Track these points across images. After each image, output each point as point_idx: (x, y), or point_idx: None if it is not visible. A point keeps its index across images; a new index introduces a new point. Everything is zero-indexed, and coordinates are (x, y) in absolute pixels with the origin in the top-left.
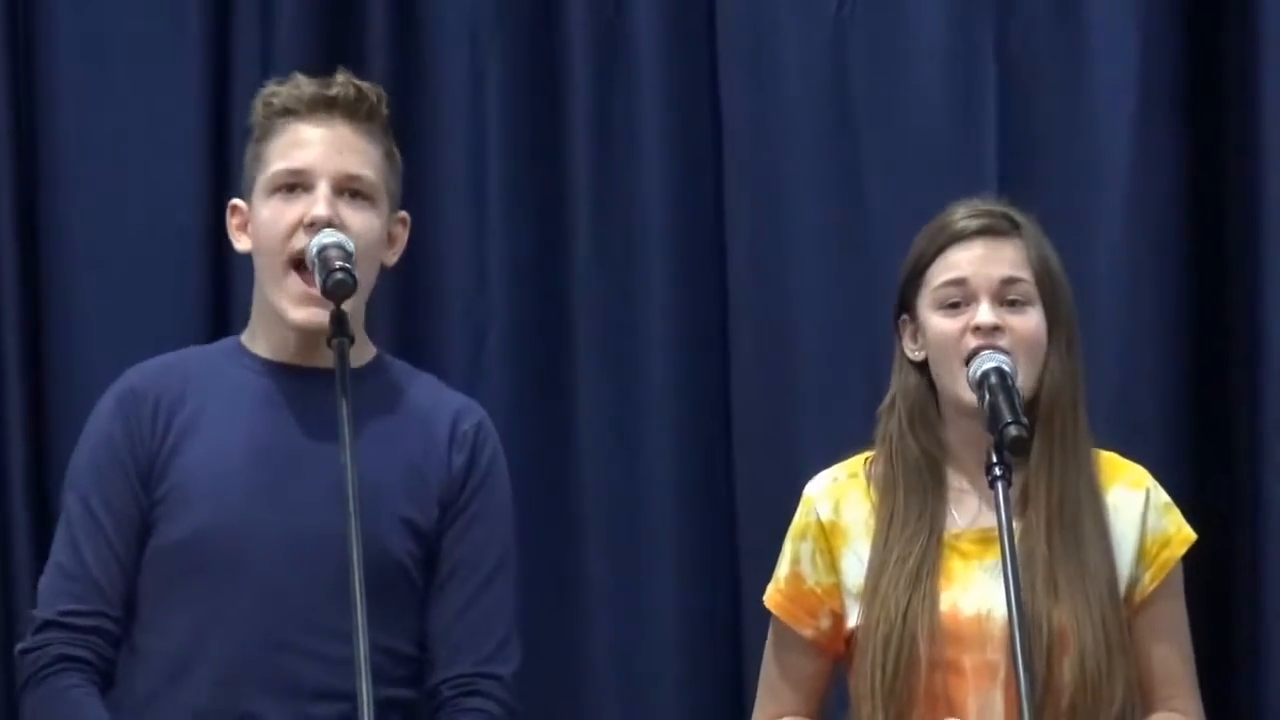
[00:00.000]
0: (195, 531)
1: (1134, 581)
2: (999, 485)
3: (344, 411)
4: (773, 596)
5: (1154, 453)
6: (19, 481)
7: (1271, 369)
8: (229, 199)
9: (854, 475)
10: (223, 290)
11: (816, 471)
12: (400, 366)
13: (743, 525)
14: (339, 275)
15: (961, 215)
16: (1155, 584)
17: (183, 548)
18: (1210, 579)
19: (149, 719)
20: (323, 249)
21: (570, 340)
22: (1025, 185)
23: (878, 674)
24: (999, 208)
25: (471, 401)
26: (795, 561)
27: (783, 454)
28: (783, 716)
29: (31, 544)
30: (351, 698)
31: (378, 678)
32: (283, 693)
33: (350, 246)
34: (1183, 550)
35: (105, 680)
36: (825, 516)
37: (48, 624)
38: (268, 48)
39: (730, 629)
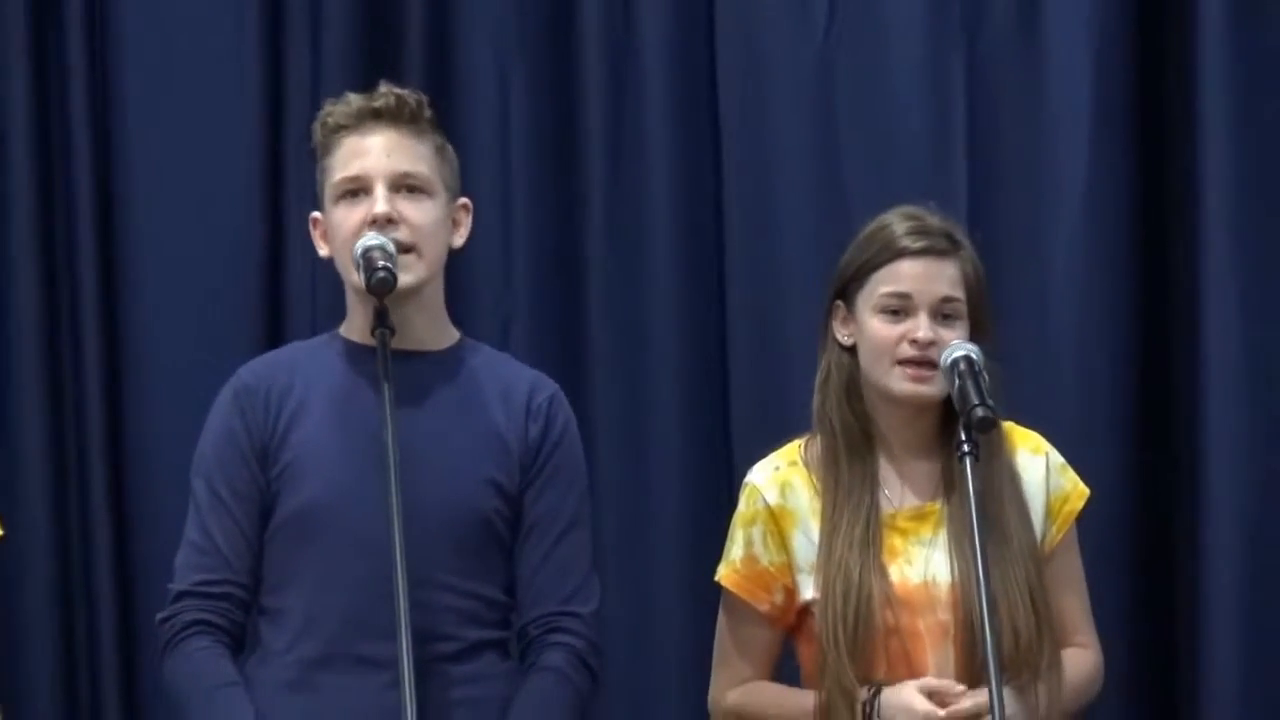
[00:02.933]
0: (308, 503)
1: (1043, 535)
2: (967, 460)
3: (387, 394)
4: (729, 576)
5: (1103, 440)
6: (99, 459)
7: (1210, 363)
8: (282, 208)
9: (793, 463)
10: (276, 291)
11: None
12: (482, 348)
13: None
14: (381, 274)
15: (908, 230)
16: (1061, 535)
17: (299, 518)
18: (1153, 554)
19: (282, 669)
20: (366, 250)
21: (585, 331)
22: (991, 193)
23: (839, 626)
24: (941, 225)
25: (546, 377)
26: (748, 545)
27: (776, 431)
28: (743, 681)
29: (110, 523)
30: (451, 638)
31: (473, 621)
32: (391, 636)
33: (391, 248)
34: (1080, 504)
35: (235, 641)
36: (773, 502)
37: (182, 594)
38: (316, 72)
39: None
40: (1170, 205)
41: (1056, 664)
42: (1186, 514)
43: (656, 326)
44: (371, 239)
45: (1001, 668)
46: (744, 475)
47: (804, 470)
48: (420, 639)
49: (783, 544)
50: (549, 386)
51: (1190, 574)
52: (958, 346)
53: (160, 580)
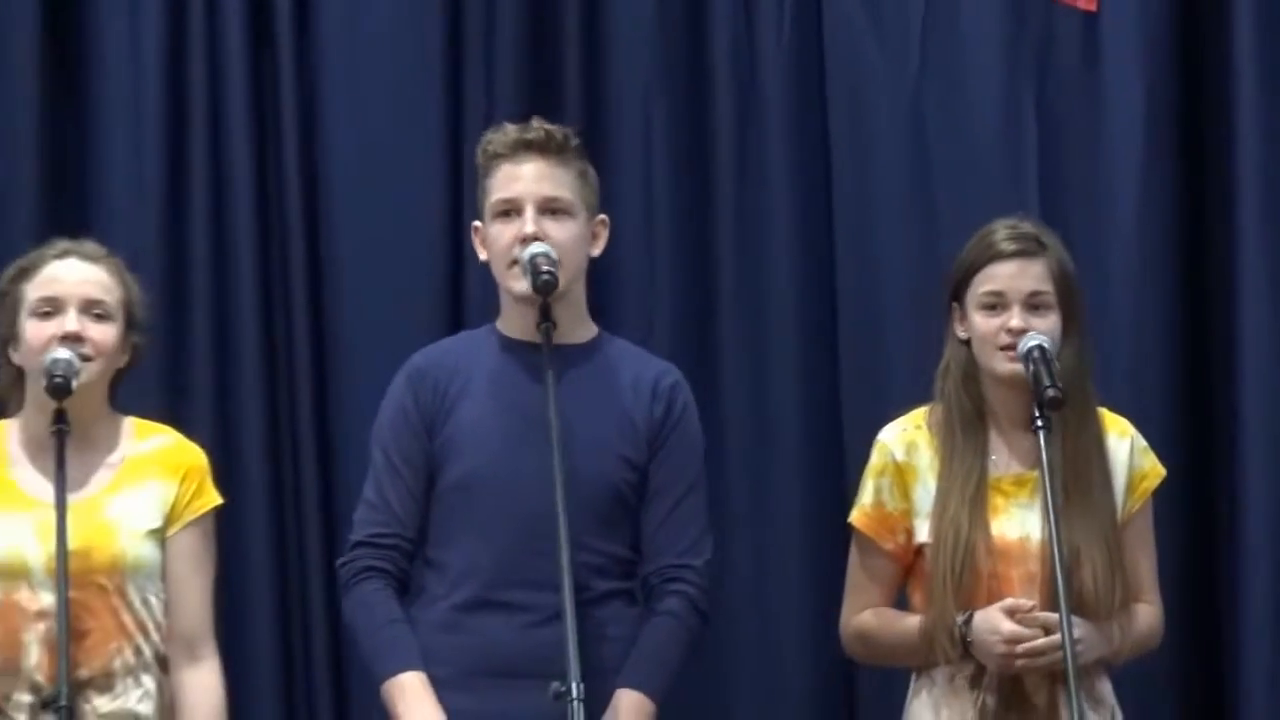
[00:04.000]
0: (467, 474)
1: (1122, 505)
2: (1041, 434)
3: (549, 377)
4: (859, 518)
5: (1155, 412)
6: (308, 436)
7: (1245, 351)
8: (462, 220)
9: (919, 426)
10: (458, 290)
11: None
12: (617, 340)
13: (849, 472)
14: (545, 277)
15: (1003, 236)
16: (1136, 507)
17: (459, 486)
18: (1196, 510)
19: (441, 611)
20: (533, 257)
21: (716, 326)
22: (1057, 208)
23: (948, 569)
24: (1032, 230)
25: (670, 365)
26: (877, 492)
27: (879, 409)
28: (870, 607)
29: (318, 481)
30: (587, 588)
31: (604, 574)
32: (533, 586)
33: (554, 255)
34: (1156, 482)
35: (402, 585)
36: (899, 458)
37: (358, 544)
38: (491, 107)
39: (839, 538)
40: (1210, 214)
41: (1127, 607)
42: (1224, 480)
43: (777, 321)
44: (536, 247)
45: (1079, 606)
46: (851, 446)
47: (927, 433)
48: (554, 588)
49: (905, 494)
50: (673, 374)
51: (1230, 532)
52: (1031, 337)
53: None
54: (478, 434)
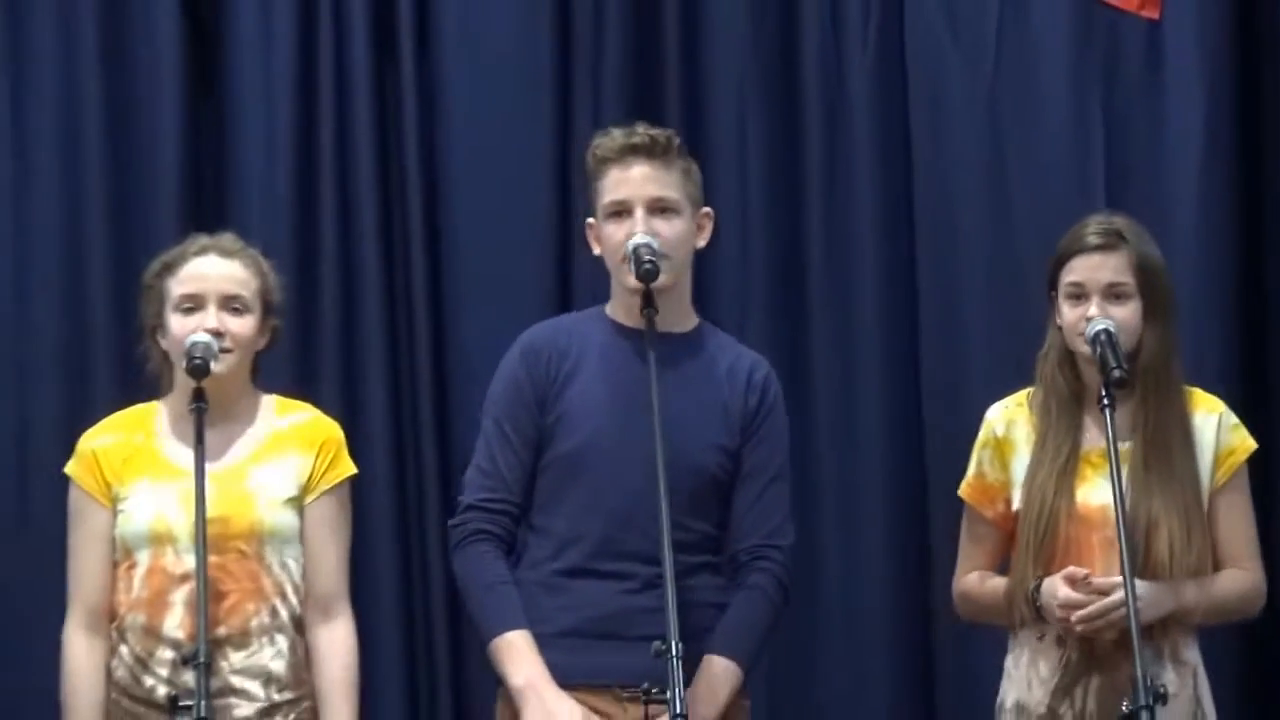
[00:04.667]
0: (576, 448)
1: (1210, 478)
2: (1107, 411)
3: (652, 361)
4: (965, 488)
5: (1215, 386)
6: (429, 415)
7: None
8: (570, 215)
9: (1020, 405)
10: (566, 280)
11: (978, 407)
12: (717, 332)
13: (929, 463)
14: (647, 266)
15: (1089, 231)
16: (1225, 479)
17: (568, 459)
18: (1256, 499)
19: (543, 575)
20: (636, 248)
21: (807, 320)
22: (1122, 206)
23: (1032, 534)
24: (1116, 225)
25: (761, 357)
26: (979, 464)
27: (957, 394)
28: (975, 570)
29: (437, 456)
30: (678, 561)
31: (695, 549)
32: (629, 557)
33: (656, 245)
34: (1245, 456)
35: (508, 548)
36: (1000, 433)
37: (469, 507)
38: (598, 110)
39: (920, 520)
40: (1267, 210)
41: (1205, 572)
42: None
43: (862, 313)
44: (640, 238)
45: (1154, 572)
46: (932, 432)
47: (1027, 411)
48: (656, 560)
49: (1005, 466)
50: (764, 366)
51: None
52: (1096, 322)
53: None
54: (588, 411)
